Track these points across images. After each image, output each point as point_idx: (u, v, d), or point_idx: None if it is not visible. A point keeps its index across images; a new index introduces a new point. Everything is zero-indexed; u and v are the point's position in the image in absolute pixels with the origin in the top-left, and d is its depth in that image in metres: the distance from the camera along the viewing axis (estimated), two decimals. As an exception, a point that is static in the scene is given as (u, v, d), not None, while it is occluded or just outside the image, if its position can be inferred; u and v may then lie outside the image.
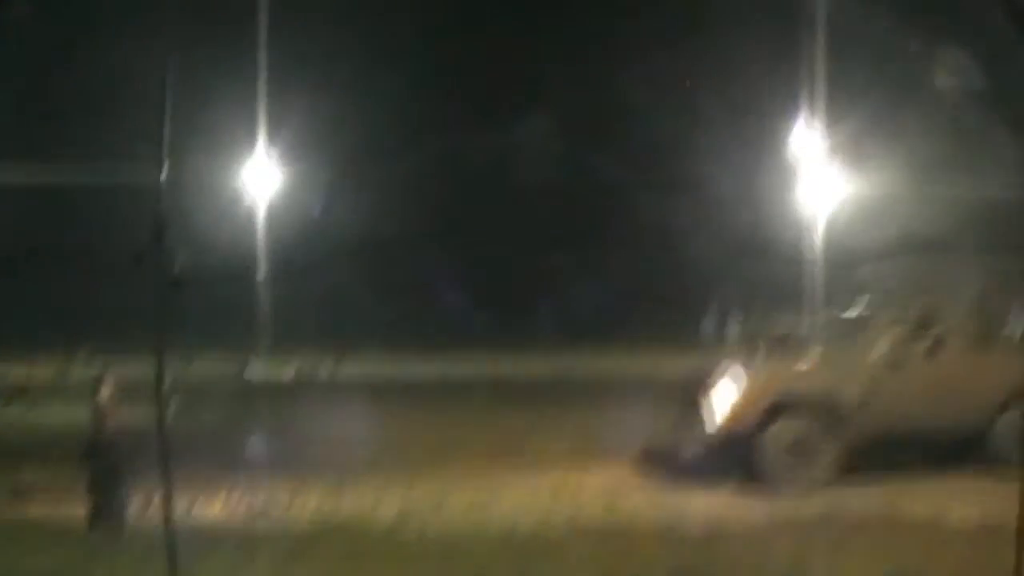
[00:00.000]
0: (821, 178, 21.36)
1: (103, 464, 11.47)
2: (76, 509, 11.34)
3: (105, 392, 12.30)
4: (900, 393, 12.86)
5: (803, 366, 13.50)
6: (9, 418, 22.08)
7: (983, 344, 13.59)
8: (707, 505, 12.38)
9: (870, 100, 30.79)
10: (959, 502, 11.43)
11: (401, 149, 39.94)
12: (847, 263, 17.10)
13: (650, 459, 14.17)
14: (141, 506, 11.74)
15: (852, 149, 25.27)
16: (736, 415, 12.96)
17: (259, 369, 28.74)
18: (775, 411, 12.91)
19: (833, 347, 13.57)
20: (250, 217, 33.41)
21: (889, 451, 13.12)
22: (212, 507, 12.48)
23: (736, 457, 13.07)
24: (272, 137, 32.97)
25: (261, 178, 31.88)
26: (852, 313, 14.34)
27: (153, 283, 7.59)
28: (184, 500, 12.72)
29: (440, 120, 41.60)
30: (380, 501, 12.66)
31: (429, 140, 41.01)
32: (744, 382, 13.16)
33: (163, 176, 7.94)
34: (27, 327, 31.60)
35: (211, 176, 32.60)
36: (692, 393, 13.63)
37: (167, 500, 7.77)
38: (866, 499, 11.88)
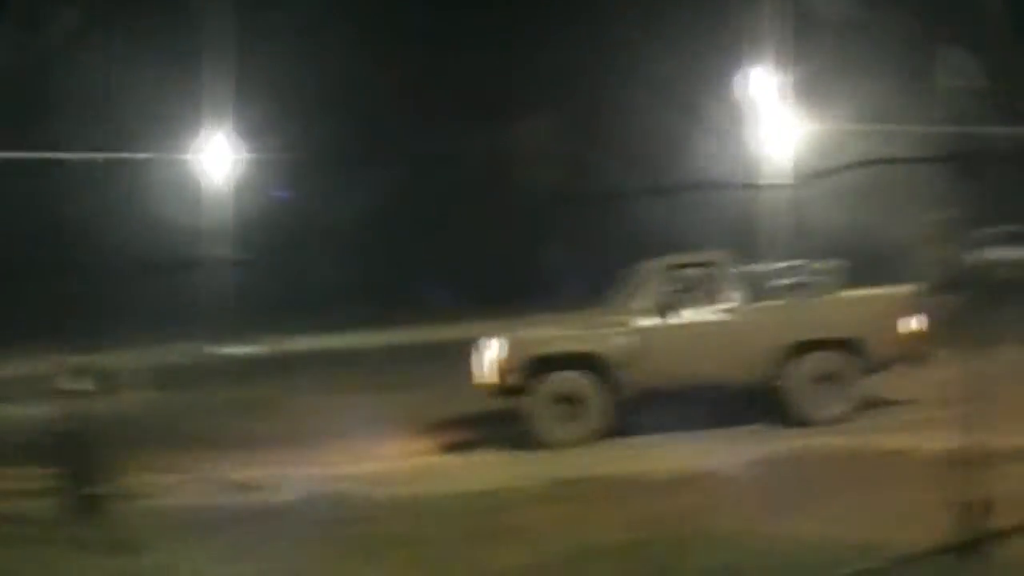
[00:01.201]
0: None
1: (74, 456, 11.44)
2: (47, 502, 11.31)
3: (73, 383, 12.26)
4: (672, 348, 13.27)
5: (570, 323, 14.29)
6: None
7: (759, 298, 13.96)
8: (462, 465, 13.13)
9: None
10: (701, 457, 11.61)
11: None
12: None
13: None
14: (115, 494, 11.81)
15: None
16: (503, 370, 13.42)
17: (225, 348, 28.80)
18: (540, 367, 13.37)
19: (610, 304, 14.06)
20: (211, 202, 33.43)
21: (674, 405, 13.43)
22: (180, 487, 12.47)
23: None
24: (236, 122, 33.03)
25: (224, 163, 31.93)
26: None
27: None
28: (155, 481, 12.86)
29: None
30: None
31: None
32: (508, 341, 13.68)
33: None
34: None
35: (172, 161, 32.61)
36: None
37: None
38: (621, 458, 12.12)
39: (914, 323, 13.33)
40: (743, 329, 13.36)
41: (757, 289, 14.14)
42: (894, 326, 13.24)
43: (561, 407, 13.36)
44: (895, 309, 13.54)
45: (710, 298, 13.68)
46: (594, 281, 16.74)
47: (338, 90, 39.03)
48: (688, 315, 13.53)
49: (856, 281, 14.74)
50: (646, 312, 13.53)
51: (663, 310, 13.49)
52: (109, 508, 11.03)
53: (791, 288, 14.61)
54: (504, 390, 13.61)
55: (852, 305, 14.00)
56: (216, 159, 32.79)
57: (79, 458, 11.31)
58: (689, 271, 13.86)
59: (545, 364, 13.37)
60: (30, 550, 9.77)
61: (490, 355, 13.61)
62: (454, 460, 13.75)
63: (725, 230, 36.66)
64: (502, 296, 26.12)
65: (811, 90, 34.64)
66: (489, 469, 12.57)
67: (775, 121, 37.12)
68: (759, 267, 36.45)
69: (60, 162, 30.70)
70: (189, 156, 31.50)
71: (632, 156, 37.80)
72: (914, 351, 13.37)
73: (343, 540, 9.25)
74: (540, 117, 37.99)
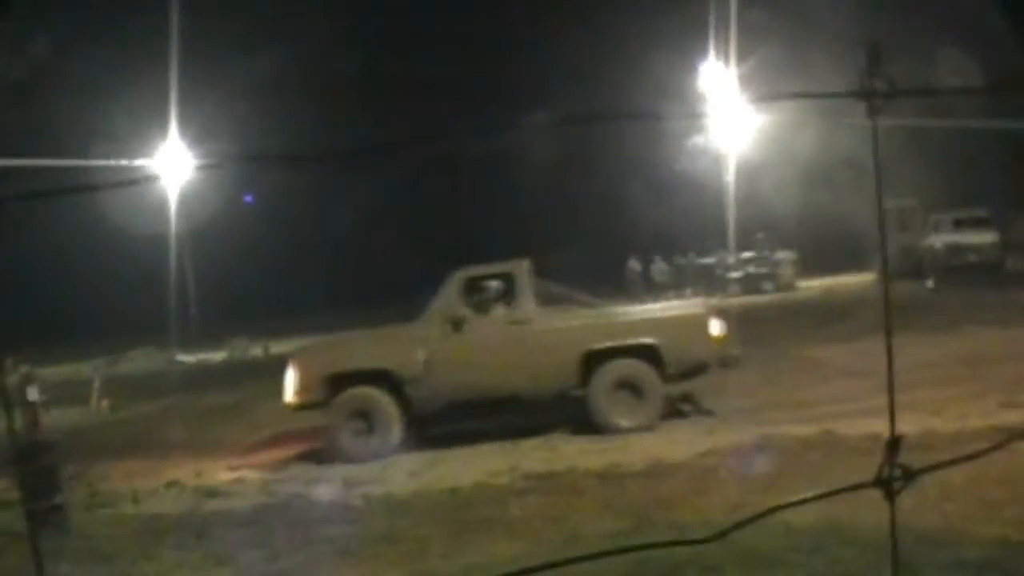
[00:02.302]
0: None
1: (37, 464, 11.34)
2: (11, 513, 11.22)
3: (32, 394, 12.20)
4: (464, 361, 13.33)
5: (362, 340, 14.57)
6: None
7: (555, 307, 14.02)
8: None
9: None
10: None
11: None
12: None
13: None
14: (81, 503, 11.78)
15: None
16: (301, 387, 13.54)
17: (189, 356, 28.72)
18: (336, 383, 13.45)
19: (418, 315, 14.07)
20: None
21: (472, 414, 13.76)
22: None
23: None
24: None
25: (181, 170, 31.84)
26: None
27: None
28: (118, 489, 12.79)
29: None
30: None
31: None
32: (304, 360, 13.98)
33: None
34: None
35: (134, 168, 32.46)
36: None
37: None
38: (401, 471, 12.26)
39: (715, 329, 13.40)
40: (538, 340, 13.41)
41: (555, 298, 14.22)
42: (695, 333, 13.33)
43: (357, 422, 13.44)
44: (694, 316, 13.73)
45: (508, 309, 13.76)
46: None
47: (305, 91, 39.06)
48: (482, 327, 13.57)
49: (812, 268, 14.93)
50: (443, 324, 13.57)
51: (456, 323, 13.51)
52: (72, 518, 11.00)
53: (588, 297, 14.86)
54: (306, 407, 13.68)
55: (647, 312, 14.34)
56: (177, 165, 32.69)
57: (41, 468, 11.23)
58: (488, 282, 13.95)
59: (340, 381, 13.45)
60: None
61: (290, 374, 13.68)
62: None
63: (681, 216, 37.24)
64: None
65: (760, 80, 35.21)
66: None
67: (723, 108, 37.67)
68: (704, 260, 36.73)
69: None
70: (151, 162, 31.29)
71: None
72: (717, 357, 13.46)
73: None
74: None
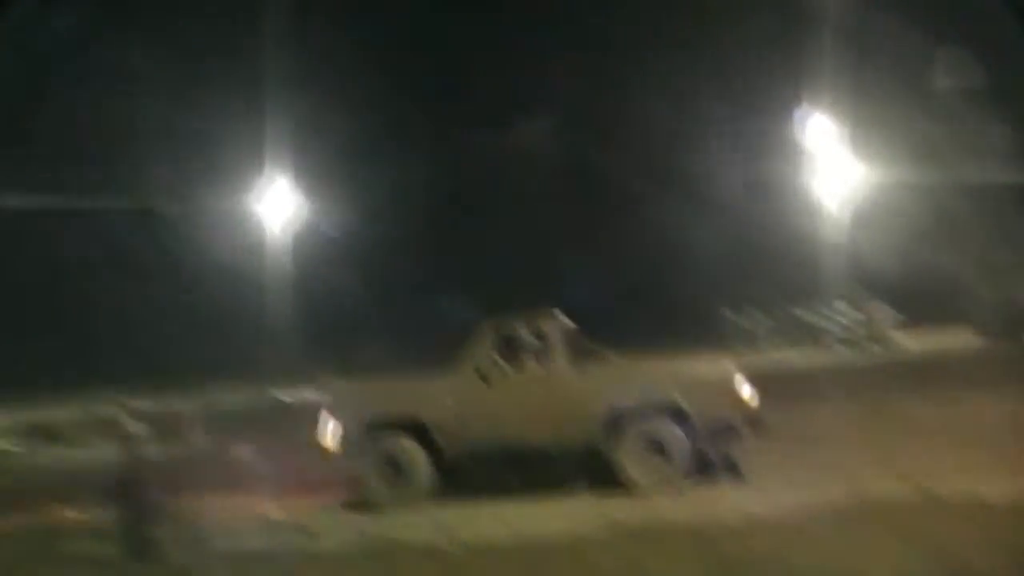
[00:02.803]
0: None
1: (134, 499, 11.64)
2: (110, 544, 11.50)
3: (132, 427, 12.49)
4: (492, 412, 13.38)
5: (395, 389, 14.50)
6: (42, 457, 22.48)
7: (584, 362, 13.88)
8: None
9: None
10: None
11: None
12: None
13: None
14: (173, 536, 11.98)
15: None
16: (338, 435, 13.78)
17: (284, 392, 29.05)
18: (369, 431, 13.68)
19: (438, 367, 14.19)
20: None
21: (501, 467, 13.65)
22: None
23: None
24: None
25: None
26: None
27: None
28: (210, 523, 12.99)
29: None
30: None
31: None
32: (340, 405, 14.12)
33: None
34: (52, 370, 32.03)
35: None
36: None
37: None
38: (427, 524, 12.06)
39: (744, 392, 13.22)
40: (564, 395, 13.37)
41: (585, 351, 14.10)
42: (722, 394, 13.14)
43: (389, 469, 13.60)
44: (722, 376, 13.41)
45: (537, 361, 13.78)
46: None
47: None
48: (510, 380, 13.62)
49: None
50: (473, 375, 13.64)
51: (485, 375, 13.60)
52: (166, 549, 11.23)
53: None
54: (344, 454, 13.82)
55: (676, 371, 13.93)
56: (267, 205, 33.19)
57: (138, 500, 11.52)
58: (518, 333, 13.96)
59: (375, 428, 13.66)
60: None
61: (323, 420, 13.89)
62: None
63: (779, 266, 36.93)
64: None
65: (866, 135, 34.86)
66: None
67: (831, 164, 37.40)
68: (798, 311, 36.17)
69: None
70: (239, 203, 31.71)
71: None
72: (745, 420, 13.22)
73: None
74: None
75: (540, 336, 13.89)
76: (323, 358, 31.81)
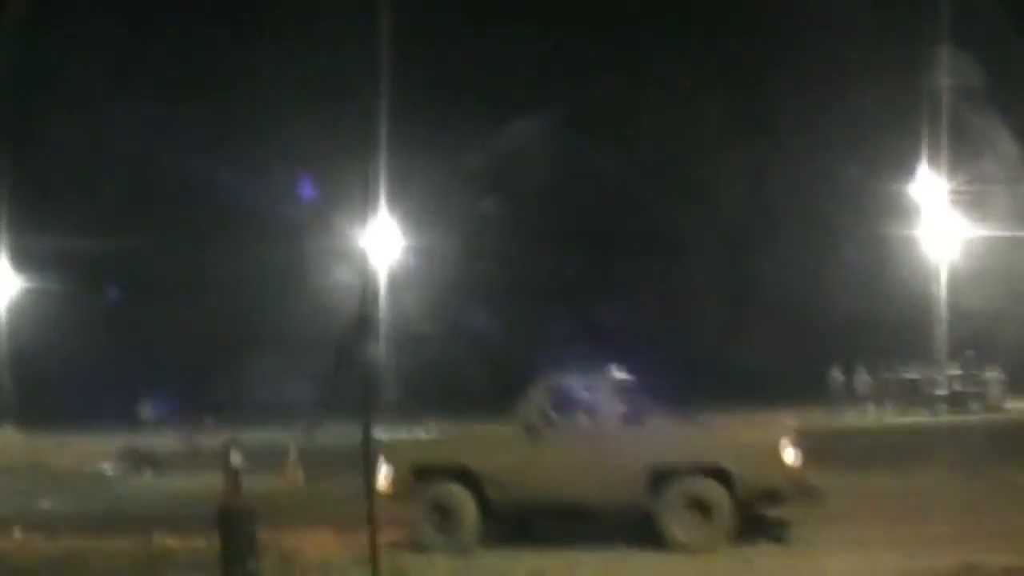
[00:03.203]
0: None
1: (235, 530, 11.71)
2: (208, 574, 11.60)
3: (236, 459, 12.61)
4: (539, 467, 13.45)
5: (450, 437, 15.42)
6: (143, 485, 22.86)
7: (630, 420, 14.04)
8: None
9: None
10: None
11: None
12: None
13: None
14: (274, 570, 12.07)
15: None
16: (393, 479, 13.98)
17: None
18: (421, 477, 13.95)
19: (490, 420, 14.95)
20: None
21: (547, 521, 13.96)
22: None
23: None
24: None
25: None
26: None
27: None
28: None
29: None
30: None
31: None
32: (396, 451, 14.56)
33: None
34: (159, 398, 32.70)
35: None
36: None
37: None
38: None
39: (788, 457, 13.09)
40: (609, 452, 13.40)
41: (639, 409, 14.20)
42: (767, 458, 13.07)
43: (439, 516, 13.79)
44: (768, 440, 13.43)
45: (588, 418, 13.98)
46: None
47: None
48: (560, 435, 13.80)
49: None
50: (523, 429, 13.82)
51: (533, 429, 13.76)
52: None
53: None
54: (395, 497, 13.98)
55: (721, 433, 14.22)
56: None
57: (239, 532, 11.60)
58: (573, 390, 14.17)
59: (425, 475, 13.92)
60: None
61: (381, 465, 13.96)
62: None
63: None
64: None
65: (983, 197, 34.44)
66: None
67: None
68: (909, 374, 35.59)
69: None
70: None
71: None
72: (791, 486, 13.12)
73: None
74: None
75: (591, 392, 14.11)
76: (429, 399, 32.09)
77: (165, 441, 27.24)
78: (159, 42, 48.41)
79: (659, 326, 40.37)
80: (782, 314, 39.62)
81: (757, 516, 13.49)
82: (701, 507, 12.97)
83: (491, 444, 14.06)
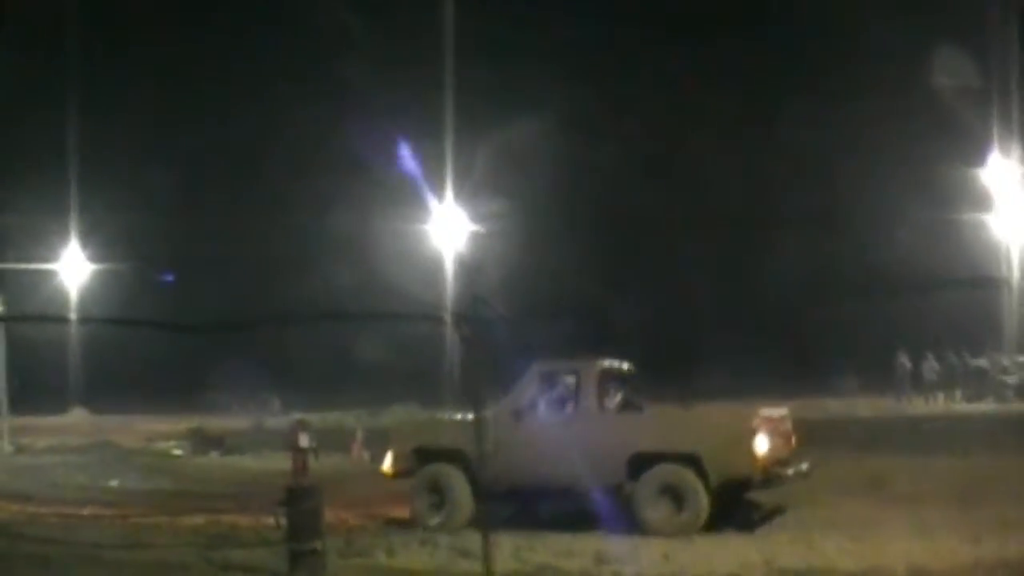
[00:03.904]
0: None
1: (302, 507, 11.91)
2: (274, 552, 11.79)
3: (304, 440, 12.85)
4: (522, 450, 13.91)
5: (447, 421, 15.83)
6: (210, 465, 23.19)
7: (608, 410, 14.64)
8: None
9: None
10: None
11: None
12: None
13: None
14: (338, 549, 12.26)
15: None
16: (394, 460, 14.97)
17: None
18: (419, 458, 14.71)
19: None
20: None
21: (534, 502, 14.61)
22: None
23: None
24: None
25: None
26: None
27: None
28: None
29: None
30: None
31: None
32: (400, 435, 15.71)
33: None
34: (224, 380, 33.11)
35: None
36: None
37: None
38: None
39: (759, 445, 13.24)
40: (590, 438, 13.81)
41: (622, 396, 14.93)
42: (738, 446, 13.26)
43: (433, 495, 14.54)
44: (740, 428, 13.54)
45: (572, 404, 14.47)
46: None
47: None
48: (544, 420, 14.32)
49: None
50: (511, 413, 14.35)
51: (519, 413, 14.31)
52: (328, 563, 11.49)
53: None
54: (398, 475, 15.01)
55: (694, 420, 14.67)
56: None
57: (306, 512, 11.79)
58: (560, 377, 14.73)
59: (424, 456, 14.64)
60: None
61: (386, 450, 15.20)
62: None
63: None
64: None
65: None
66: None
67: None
68: (978, 361, 35.13)
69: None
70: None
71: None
72: (761, 472, 13.37)
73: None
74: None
75: (577, 380, 14.53)
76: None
77: (231, 422, 27.57)
78: (220, 31, 49.04)
79: (729, 308, 40.34)
80: (851, 298, 39.31)
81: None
82: (675, 493, 13.36)
83: (476, 427, 14.30)
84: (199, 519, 14.93)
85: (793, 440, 14.36)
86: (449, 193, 35.08)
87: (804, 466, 14.01)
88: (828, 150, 41.65)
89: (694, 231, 43.66)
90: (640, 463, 13.57)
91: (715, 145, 43.06)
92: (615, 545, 12.53)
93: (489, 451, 12.94)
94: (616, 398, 14.91)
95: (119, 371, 39.07)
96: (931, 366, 36.77)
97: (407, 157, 35.67)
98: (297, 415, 15.03)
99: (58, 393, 38.07)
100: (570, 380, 14.64)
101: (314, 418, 23.95)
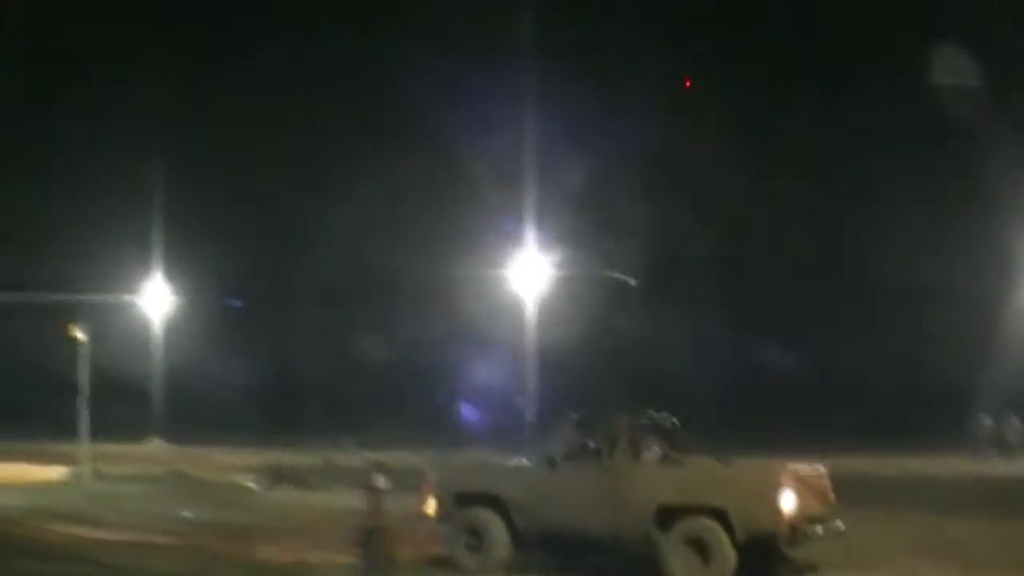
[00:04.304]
0: None
1: (376, 547, 12.10)
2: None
3: (380, 481, 13.05)
4: (555, 498, 14.23)
5: (486, 466, 16.18)
6: (284, 499, 23.43)
7: (639, 462, 14.65)
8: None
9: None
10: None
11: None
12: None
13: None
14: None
15: None
16: (434, 503, 15.07)
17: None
18: (458, 502, 14.88)
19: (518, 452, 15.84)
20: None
21: (566, 550, 14.67)
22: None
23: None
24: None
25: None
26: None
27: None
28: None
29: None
30: None
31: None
32: (437, 477, 15.67)
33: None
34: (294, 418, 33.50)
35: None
36: None
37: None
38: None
39: (786, 502, 13.27)
40: (619, 489, 14.02)
41: (659, 449, 14.93)
42: (763, 502, 13.34)
43: (471, 537, 14.62)
44: (766, 484, 13.63)
45: (605, 456, 14.58)
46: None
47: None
48: (576, 470, 14.46)
49: None
50: (545, 462, 14.68)
51: (553, 463, 14.52)
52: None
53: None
54: (435, 518, 15.12)
55: (721, 474, 14.47)
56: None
57: (380, 553, 12.00)
58: (593, 429, 14.96)
59: (462, 500, 14.84)
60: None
61: (424, 489, 15.35)
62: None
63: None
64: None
65: None
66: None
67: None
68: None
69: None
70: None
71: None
72: (790, 530, 13.35)
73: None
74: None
75: (610, 432, 14.70)
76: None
77: (305, 458, 27.84)
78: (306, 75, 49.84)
79: (808, 359, 40.11)
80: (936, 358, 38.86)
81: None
82: (701, 546, 13.41)
83: (517, 474, 15.08)
84: (272, 552, 15.14)
85: (831, 497, 14.25)
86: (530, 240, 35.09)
87: (838, 524, 14.02)
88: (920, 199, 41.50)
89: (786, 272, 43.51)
90: (667, 515, 13.70)
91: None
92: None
93: (523, 498, 14.01)
94: (652, 450, 14.94)
95: (198, 403, 39.66)
96: (1013, 426, 36.04)
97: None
98: (371, 454, 15.26)
99: (137, 423, 38.63)
100: (603, 432, 14.84)
101: (386, 456, 24.17)
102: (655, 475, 14.38)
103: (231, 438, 33.91)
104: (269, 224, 49.30)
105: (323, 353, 43.59)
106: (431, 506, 15.05)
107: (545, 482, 14.39)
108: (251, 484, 26.56)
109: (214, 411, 38.70)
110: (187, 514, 20.71)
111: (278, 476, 26.44)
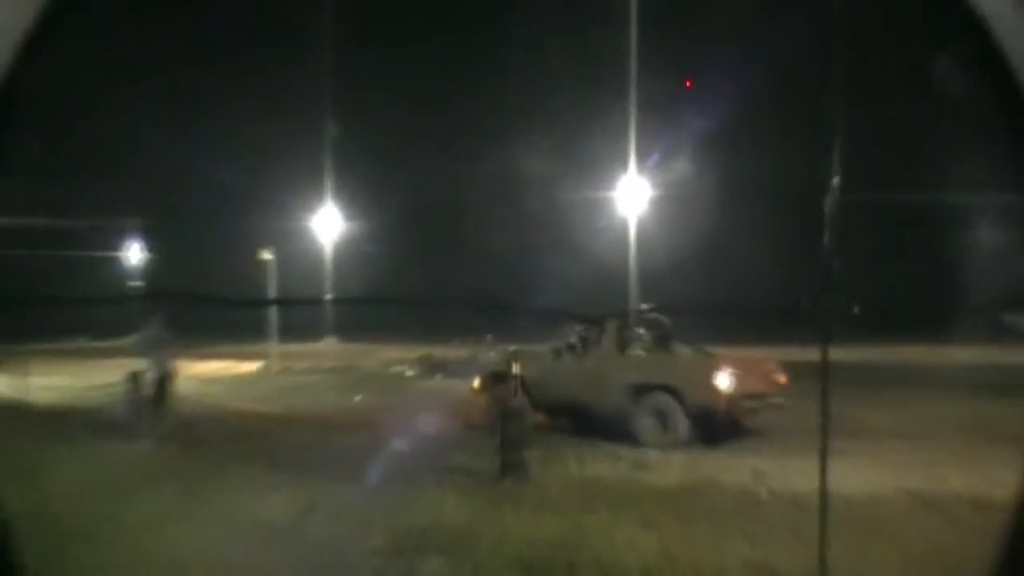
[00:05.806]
0: None
1: (513, 423, 12.60)
2: (487, 459, 12.48)
3: (515, 368, 13.63)
4: (557, 381, 16.25)
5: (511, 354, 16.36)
6: (435, 386, 24.14)
7: (620, 353, 16.54)
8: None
9: None
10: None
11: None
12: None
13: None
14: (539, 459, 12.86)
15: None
16: (479, 381, 16.92)
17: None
18: (492, 380, 15.76)
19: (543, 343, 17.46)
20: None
21: (565, 419, 16.54)
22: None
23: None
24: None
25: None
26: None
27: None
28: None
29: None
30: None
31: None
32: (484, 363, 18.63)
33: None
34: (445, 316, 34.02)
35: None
36: None
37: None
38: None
39: (721, 381, 14.77)
40: (602, 372, 15.98)
41: (632, 344, 16.89)
42: (705, 381, 14.85)
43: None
44: (707, 368, 15.25)
45: (596, 348, 16.62)
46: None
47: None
48: (574, 359, 16.64)
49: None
50: (552, 352, 16.87)
51: (558, 351, 16.79)
52: (532, 470, 12.12)
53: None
54: (480, 392, 16.67)
55: (676, 362, 16.44)
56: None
57: (517, 428, 12.51)
58: (591, 327, 16.81)
59: (495, 379, 15.60)
60: (469, 498, 10.87)
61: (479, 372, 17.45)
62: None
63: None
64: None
65: None
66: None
67: None
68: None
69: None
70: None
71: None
72: (727, 403, 14.81)
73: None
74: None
75: (600, 331, 16.68)
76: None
77: (454, 351, 28.46)
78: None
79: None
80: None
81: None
82: (661, 415, 15.07)
83: (534, 360, 16.12)
84: (427, 428, 16.25)
85: (778, 379, 15.77)
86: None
87: (779, 400, 15.44)
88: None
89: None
90: (636, 392, 15.34)
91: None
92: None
93: (535, 377, 15.54)
94: (637, 343, 16.92)
95: (365, 309, 40.31)
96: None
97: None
98: (510, 347, 16.14)
99: (315, 324, 39.46)
100: (596, 329, 16.75)
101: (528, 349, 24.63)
102: (629, 363, 16.23)
103: (395, 336, 34.69)
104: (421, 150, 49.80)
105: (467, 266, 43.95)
106: (477, 383, 16.89)
107: (551, 366, 16.42)
108: (409, 373, 27.37)
109: (379, 314, 39.40)
110: (357, 399, 21.52)
111: (431, 366, 27.21)
